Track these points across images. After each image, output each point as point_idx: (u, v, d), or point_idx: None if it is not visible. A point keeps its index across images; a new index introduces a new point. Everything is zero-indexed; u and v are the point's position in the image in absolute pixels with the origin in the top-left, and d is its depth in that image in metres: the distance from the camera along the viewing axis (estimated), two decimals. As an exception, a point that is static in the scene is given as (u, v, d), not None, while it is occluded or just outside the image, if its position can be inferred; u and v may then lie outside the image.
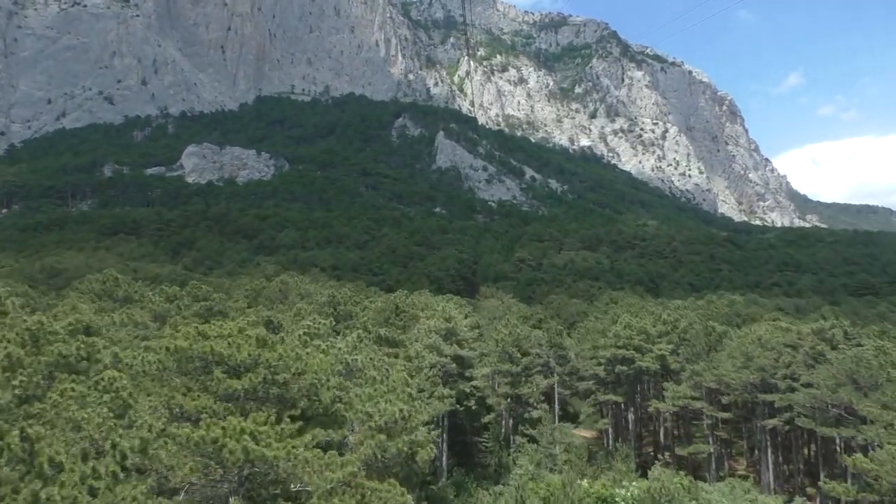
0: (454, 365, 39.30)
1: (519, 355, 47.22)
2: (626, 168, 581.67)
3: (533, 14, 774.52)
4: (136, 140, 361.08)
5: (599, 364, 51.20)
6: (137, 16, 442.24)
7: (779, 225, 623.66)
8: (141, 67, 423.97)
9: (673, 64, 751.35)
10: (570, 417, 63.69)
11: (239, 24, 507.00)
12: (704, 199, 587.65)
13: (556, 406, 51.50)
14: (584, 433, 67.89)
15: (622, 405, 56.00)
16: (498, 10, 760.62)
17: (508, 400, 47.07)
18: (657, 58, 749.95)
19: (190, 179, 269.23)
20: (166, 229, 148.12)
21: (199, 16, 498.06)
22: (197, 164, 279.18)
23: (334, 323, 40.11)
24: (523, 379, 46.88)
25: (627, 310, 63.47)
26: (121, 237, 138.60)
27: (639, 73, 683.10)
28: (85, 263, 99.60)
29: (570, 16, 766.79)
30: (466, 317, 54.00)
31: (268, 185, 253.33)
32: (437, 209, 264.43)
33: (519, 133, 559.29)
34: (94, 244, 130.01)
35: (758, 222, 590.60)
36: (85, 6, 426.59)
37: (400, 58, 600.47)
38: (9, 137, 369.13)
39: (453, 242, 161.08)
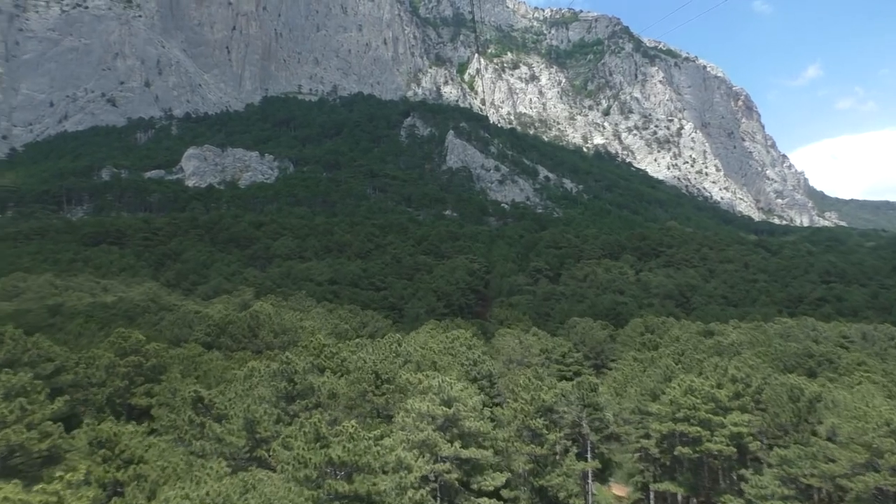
0: (455, 474, 27.57)
1: (544, 430, 35.64)
2: (641, 166, 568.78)
3: (543, 10, 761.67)
4: (139, 142, 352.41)
5: (648, 437, 39.42)
6: (140, 16, 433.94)
7: (797, 223, 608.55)
8: (144, 69, 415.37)
9: (687, 59, 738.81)
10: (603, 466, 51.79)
11: (244, 24, 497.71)
12: (722, 198, 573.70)
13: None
14: (619, 491, 56.15)
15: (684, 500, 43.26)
16: (508, 7, 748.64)
17: (531, 494, 35.25)
18: (671, 53, 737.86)
19: (190, 183, 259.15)
20: (154, 238, 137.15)
21: (203, 16, 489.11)
22: (198, 167, 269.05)
23: (286, 405, 28.99)
24: (551, 463, 35.25)
25: (673, 353, 51.55)
26: (104, 247, 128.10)
27: (652, 69, 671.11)
28: (49, 283, 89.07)
29: (581, 11, 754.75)
30: (477, 380, 42.21)
31: (270, 188, 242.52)
32: (448, 212, 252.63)
33: (531, 131, 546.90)
34: (72, 256, 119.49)
35: (776, 220, 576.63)
36: (87, 8, 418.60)
37: (409, 56, 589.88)
38: (10, 141, 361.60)
39: (464, 250, 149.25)
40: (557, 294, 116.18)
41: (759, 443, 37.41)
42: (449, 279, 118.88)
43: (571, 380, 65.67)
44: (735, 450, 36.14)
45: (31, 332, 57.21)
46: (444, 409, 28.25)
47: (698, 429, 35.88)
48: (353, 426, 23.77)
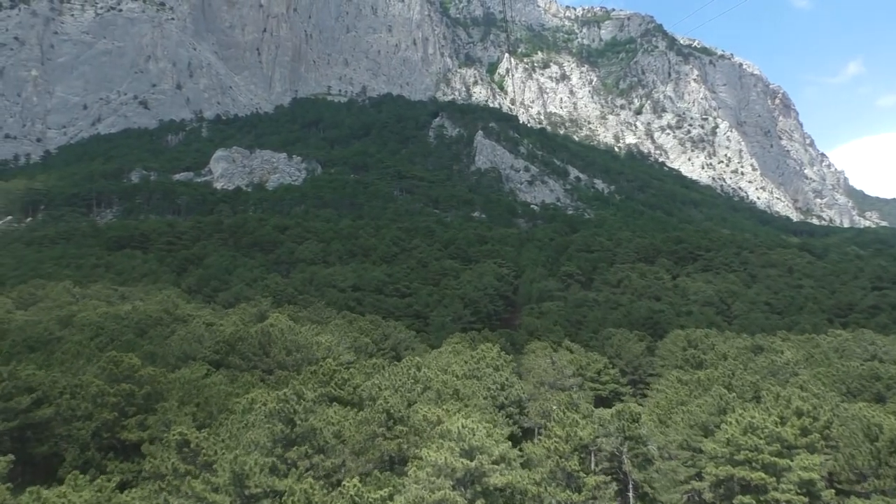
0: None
1: (581, 472, 31.19)
2: (675, 166, 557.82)
3: (574, 9, 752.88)
4: (170, 145, 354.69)
5: (700, 478, 34.54)
6: (172, 19, 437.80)
7: (837, 223, 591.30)
8: (176, 71, 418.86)
9: (722, 57, 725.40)
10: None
11: (274, 26, 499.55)
12: (758, 198, 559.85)
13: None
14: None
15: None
16: (539, 6, 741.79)
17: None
18: (705, 51, 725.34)
19: (218, 185, 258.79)
20: (177, 243, 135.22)
21: (234, 18, 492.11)
22: (226, 169, 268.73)
23: (283, 451, 25.09)
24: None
25: (723, 375, 46.27)
26: (127, 252, 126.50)
27: (686, 67, 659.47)
28: (66, 290, 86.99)
29: (614, 10, 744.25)
30: (505, 406, 37.71)
31: (297, 189, 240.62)
32: (476, 213, 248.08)
33: (562, 131, 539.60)
34: (94, 261, 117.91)
35: (815, 221, 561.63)
36: (120, 11, 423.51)
37: (438, 56, 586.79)
38: (45, 144, 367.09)
39: (492, 254, 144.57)
40: (590, 301, 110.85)
41: (831, 491, 32.35)
42: (477, 285, 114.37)
43: (608, 399, 60.88)
44: (806, 499, 31.00)
45: (37, 346, 54.40)
46: (465, 461, 23.97)
47: (762, 474, 30.82)
48: (355, 487, 19.76)
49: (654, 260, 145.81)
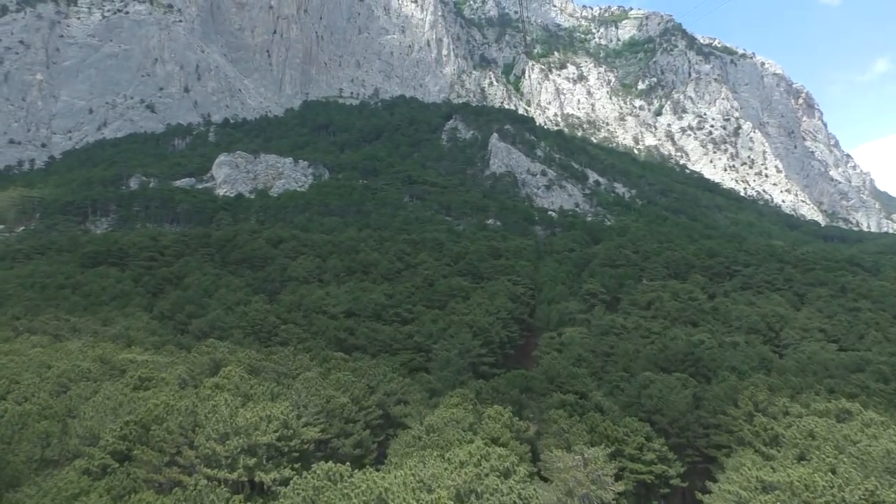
0: None
1: None
2: (696, 168, 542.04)
3: (591, 9, 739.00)
4: (176, 149, 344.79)
5: None
6: (180, 21, 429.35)
7: (864, 226, 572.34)
8: (183, 74, 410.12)
9: (743, 56, 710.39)
10: None
11: (285, 27, 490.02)
12: (784, 201, 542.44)
13: None
14: None
15: None
16: (554, 6, 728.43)
17: None
18: (726, 50, 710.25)
19: (221, 191, 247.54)
20: (159, 259, 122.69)
21: (244, 20, 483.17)
22: (229, 175, 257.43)
23: None
24: None
25: (821, 466, 32.93)
26: (101, 270, 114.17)
27: (707, 67, 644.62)
28: (7, 323, 74.93)
29: (631, 9, 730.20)
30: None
31: (302, 196, 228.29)
32: (490, 221, 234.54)
33: (579, 133, 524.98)
34: (62, 280, 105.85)
35: (841, 224, 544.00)
36: (127, 13, 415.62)
37: (452, 58, 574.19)
38: (49, 149, 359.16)
39: (506, 270, 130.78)
40: (618, 327, 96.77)
41: None
42: (488, 308, 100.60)
43: (653, 487, 47.20)
44: None
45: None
46: None
47: None
48: None
49: (687, 276, 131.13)
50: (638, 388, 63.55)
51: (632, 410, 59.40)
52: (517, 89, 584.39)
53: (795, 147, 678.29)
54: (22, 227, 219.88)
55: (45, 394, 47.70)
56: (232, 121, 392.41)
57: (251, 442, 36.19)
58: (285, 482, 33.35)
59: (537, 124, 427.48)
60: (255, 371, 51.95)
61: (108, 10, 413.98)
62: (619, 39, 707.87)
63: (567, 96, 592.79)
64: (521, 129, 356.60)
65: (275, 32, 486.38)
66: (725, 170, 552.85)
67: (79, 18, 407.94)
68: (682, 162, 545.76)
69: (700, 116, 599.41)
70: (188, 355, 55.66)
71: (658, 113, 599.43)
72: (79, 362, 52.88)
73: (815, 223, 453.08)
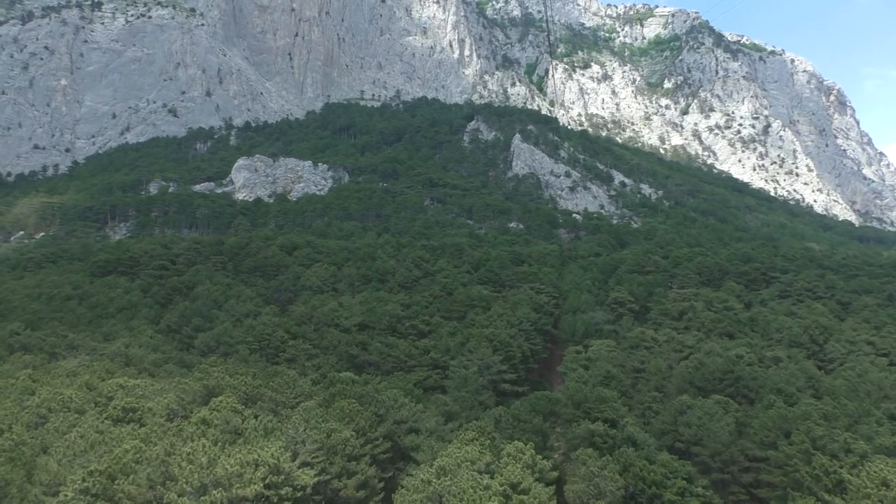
0: None
1: None
2: (724, 168, 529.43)
3: (616, 7, 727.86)
4: (198, 153, 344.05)
5: None
6: (202, 25, 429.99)
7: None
8: (205, 78, 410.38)
9: (773, 53, 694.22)
10: None
11: (306, 30, 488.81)
12: (815, 201, 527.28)
13: None
14: None
15: None
16: (578, 5, 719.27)
17: None
18: (755, 47, 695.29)
19: (239, 196, 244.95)
20: (170, 268, 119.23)
21: (265, 23, 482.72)
22: (248, 179, 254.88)
23: None
24: None
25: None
26: (110, 279, 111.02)
27: (735, 64, 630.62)
28: (3, 339, 71.40)
29: (657, 6, 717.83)
30: None
31: (321, 200, 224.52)
32: (513, 224, 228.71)
33: (604, 133, 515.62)
34: (70, 290, 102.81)
35: (875, 224, 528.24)
36: (150, 18, 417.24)
37: (475, 58, 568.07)
38: (73, 154, 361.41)
39: (528, 277, 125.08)
40: (648, 340, 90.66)
41: None
42: (510, 319, 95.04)
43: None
44: None
45: None
46: None
47: None
48: None
49: (721, 283, 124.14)
50: (674, 415, 57.58)
51: (667, 439, 53.62)
52: (540, 89, 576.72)
53: (827, 145, 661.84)
54: (42, 234, 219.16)
55: (21, 426, 43.35)
56: (253, 124, 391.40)
57: (231, 496, 31.29)
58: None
59: (561, 125, 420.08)
60: (252, 399, 47.22)
61: (132, 15, 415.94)
62: (644, 38, 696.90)
63: (591, 96, 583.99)
64: (545, 130, 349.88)
65: (296, 35, 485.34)
66: (755, 169, 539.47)
67: (102, 24, 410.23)
68: (709, 162, 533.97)
69: (728, 115, 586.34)
70: (180, 382, 51.03)
71: (685, 112, 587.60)
72: (62, 389, 48.56)
73: (849, 223, 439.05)
